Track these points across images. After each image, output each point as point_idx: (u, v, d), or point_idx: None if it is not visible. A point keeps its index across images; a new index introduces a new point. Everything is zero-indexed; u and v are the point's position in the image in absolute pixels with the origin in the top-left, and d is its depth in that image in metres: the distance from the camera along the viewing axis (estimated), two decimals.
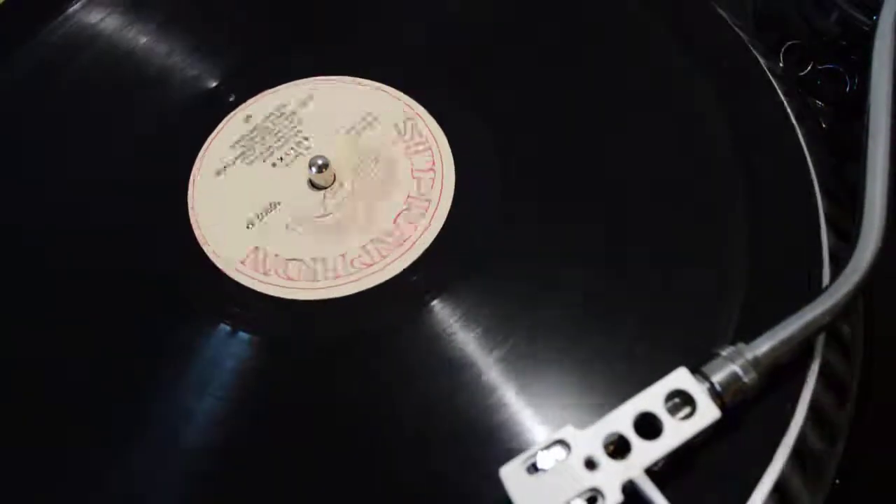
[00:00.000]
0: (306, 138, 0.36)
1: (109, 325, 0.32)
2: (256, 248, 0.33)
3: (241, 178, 0.36)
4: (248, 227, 0.34)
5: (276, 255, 0.33)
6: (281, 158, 0.36)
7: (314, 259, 0.33)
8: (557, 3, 0.39)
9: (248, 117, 0.37)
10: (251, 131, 0.37)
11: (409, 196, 0.34)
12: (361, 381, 0.29)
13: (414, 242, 0.33)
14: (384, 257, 0.32)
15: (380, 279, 0.32)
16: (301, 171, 0.35)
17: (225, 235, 0.34)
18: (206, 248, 0.33)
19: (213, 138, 0.37)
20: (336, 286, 0.32)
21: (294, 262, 0.33)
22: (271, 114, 0.37)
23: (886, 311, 0.33)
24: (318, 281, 0.32)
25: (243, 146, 0.36)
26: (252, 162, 0.36)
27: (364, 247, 0.33)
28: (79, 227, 0.34)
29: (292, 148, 0.36)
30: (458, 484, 0.27)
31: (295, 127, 0.37)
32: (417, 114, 0.36)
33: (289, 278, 0.32)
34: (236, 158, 0.36)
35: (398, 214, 0.34)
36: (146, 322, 0.32)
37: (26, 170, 0.36)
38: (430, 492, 0.27)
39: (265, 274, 0.32)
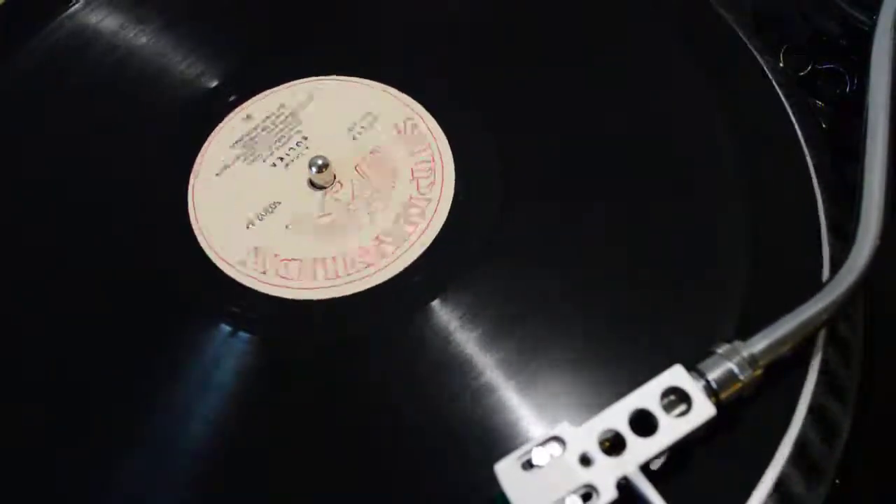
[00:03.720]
0: (305, 138, 0.37)
1: (109, 324, 0.32)
2: (256, 248, 0.33)
3: (242, 178, 0.36)
4: (248, 228, 0.34)
5: (276, 255, 0.33)
6: (281, 158, 0.36)
7: (314, 259, 0.33)
8: (558, 3, 0.39)
9: (248, 117, 0.37)
10: (251, 131, 0.37)
11: (409, 196, 0.34)
12: (361, 381, 0.30)
13: (413, 242, 0.33)
14: (384, 257, 0.32)
15: (380, 279, 0.32)
16: (301, 171, 0.35)
17: (225, 235, 0.34)
18: (205, 248, 0.33)
19: (213, 138, 0.37)
20: (336, 286, 0.32)
21: (294, 261, 0.33)
22: (272, 114, 0.37)
23: (886, 310, 0.33)
24: (318, 281, 0.32)
25: (244, 146, 0.37)
26: (252, 162, 0.36)
27: (364, 247, 0.33)
28: (78, 227, 0.34)
29: (292, 148, 0.36)
30: (458, 483, 0.27)
31: (295, 127, 0.37)
32: (417, 113, 0.36)
33: (289, 278, 0.32)
34: (237, 158, 0.36)
35: (398, 214, 0.34)
36: (146, 322, 0.32)
37: (26, 169, 0.36)
38: (430, 491, 0.27)
39: (264, 273, 0.33)
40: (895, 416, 0.32)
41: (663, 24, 0.37)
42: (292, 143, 0.36)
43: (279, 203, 0.35)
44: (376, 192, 0.34)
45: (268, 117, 0.37)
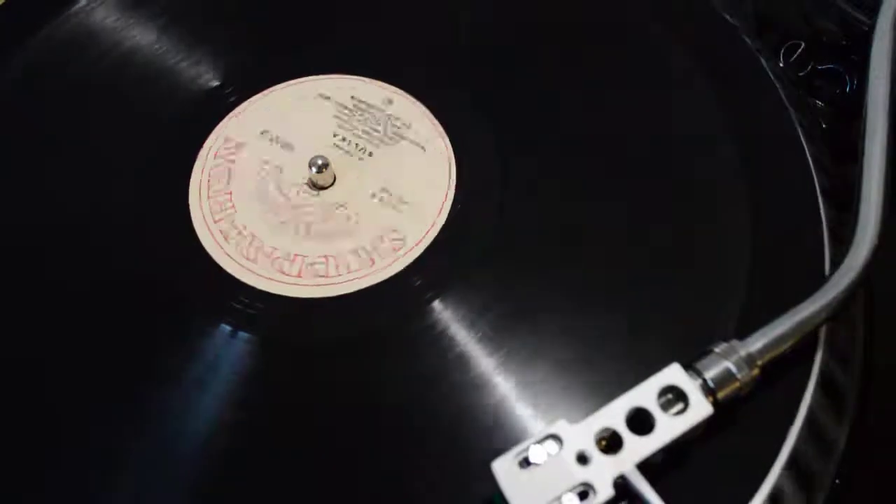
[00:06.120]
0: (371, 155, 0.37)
1: (109, 325, 0.32)
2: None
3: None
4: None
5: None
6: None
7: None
8: (558, 3, 0.39)
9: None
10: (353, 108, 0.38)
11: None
12: (361, 380, 0.30)
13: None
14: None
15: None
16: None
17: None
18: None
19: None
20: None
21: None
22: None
23: (886, 311, 0.33)
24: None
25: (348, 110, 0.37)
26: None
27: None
28: (78, 227, 0.34)
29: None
30: (458, 482, 0.27)
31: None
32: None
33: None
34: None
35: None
36: (146, 322, 0.32)
37: (26, 169, 0.36)
38: (429, 489, 0.27)
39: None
40: (895, 416, 0.32)
41: (664, 25, 0.37)
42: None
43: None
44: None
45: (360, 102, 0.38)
